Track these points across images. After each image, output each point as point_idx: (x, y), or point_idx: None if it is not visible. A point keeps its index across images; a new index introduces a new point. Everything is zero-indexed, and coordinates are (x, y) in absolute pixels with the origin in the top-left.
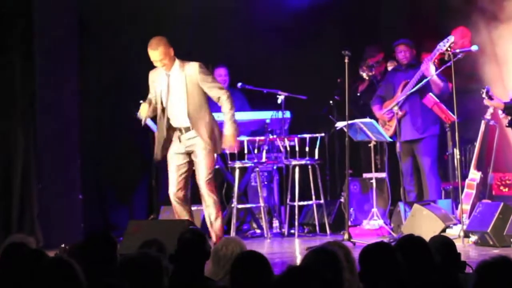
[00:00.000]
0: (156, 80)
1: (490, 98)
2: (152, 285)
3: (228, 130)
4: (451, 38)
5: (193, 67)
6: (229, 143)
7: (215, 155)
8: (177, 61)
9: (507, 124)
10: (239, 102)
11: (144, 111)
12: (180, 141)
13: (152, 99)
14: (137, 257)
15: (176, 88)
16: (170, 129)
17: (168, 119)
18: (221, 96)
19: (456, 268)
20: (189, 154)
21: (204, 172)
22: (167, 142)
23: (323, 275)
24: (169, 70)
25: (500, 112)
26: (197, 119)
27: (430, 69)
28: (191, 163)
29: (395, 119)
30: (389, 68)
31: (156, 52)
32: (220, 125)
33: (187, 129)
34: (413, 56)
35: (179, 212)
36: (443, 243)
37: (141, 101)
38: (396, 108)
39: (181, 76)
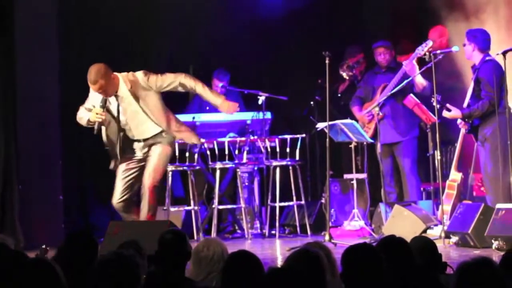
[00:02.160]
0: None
1: (442, 107)
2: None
3: (218, 98)
4: (429, 43)
5: (139, 76)
6: (228, 108)
7: (196, 156)
8: (121, 80)
9: (466, 132)
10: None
11: (96, 117)
12: (135, 152)
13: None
14: (111, 258)
15: (129, 106)
16: (125, 139)
17: (123, 131)
18: (184, 82)
19: (437, 269)
20: (140, 161)
21: (153, 173)
22: (121, 151)
23: (304, 276)
24: (117, 92)
25: (459, 120)
26: (163, 124)
27: (414, 69)
28: (139, 171)
29: (374, 120)
30: None
31: (95, 86)
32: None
33: (146, 140)
34: (393, 58)
35: (126, 218)
36: (424, 244)
37: None
38: (376, 109)
39: (130, 92)
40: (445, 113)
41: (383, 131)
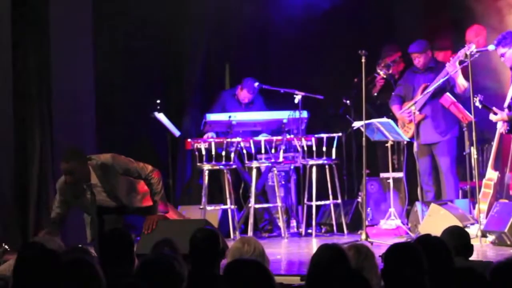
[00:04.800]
0: (71, 191)
1: (484, 107)
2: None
3: (154, 210)
4: (472, 46)
5: (107, 161)
6: (148, 224)
7: (232, 155)
8: (90, 168)
9: (506, 132)
10: (259, 107)
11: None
12: None
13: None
14: (156, 259)
15: (101, 193)
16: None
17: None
18: (146, 177)
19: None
20: None
21: None
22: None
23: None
24: (89, 181)
25: (501, 123)
26: (135, 202)
27: (456, 71)
28: None
29: (415, 121)
30: None
31: (71, 177)
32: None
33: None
34: (429, 59)
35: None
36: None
37: (158, 101)
38: (413, 108)
39: (101, 180)
40: (492, 117)
41: (424, 131)
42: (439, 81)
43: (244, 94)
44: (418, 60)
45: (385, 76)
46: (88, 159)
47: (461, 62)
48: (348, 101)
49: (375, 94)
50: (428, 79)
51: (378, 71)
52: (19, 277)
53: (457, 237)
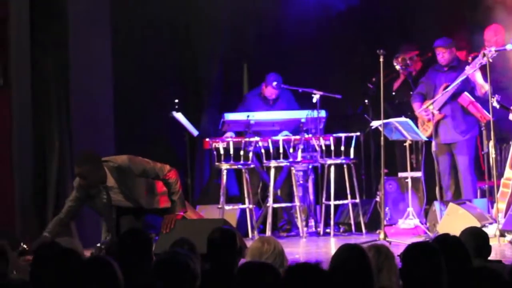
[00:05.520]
0: (86, 191)
1: (502, 107)
2: (186, 285)
3: (174, 207)
4: (492, 49)
5: (124, 163)
6: (167, 223)
7: (251, 154)
8: (107, 170)
9: None
10: (287, 102)
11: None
12: None
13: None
14: (171, 257)
15: (118, 194)
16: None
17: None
18: (164, 178)
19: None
20: None
21: None
22: None
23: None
24: (105, 183)
25: None
26: (153, 203)
27: (476, 74)
28: None
29: (434, 120)
30: None
31: (84, 181)
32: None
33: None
34: (453, 57)
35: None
36: (471, 228)
37: (176, 100)
38: (431, 108)
39: (117, 182)
40: (511, 116)
41: (443, 130)
42: (457, 80)
43: (270, 91)
44: (443, 55)
45: (401, 71)
46: (104, 161)
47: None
48: (366, 101)
49: (393, 93)
50: (450, 78)
51: (395, 64)
52: (38, 276)
53: (475, 238)
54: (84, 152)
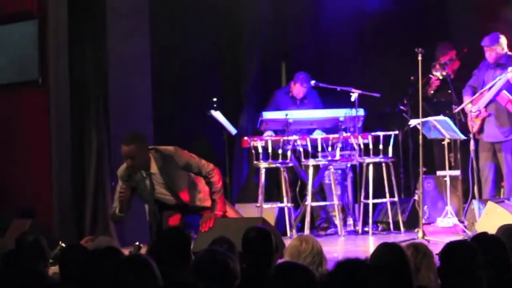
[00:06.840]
0: (132, 178)
1: None
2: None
3: (213, 206)
4: None
5: (169, 152)
6: (205, 222)
7: (289, 153)
8: (151, 157)
9: None
10: (314, 102)
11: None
12: None
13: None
14: (209, 256)
15: (160, 184)
16: None
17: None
18: (206, 175)
19: None
20: None
21: None
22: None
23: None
24: (149, 170)
25: None
26: (196, 200)
27: None
28: None
29: (481, 116)
30: None
31: (131, 161)
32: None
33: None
34: (501, 55)
35: None
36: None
37: (215, 99)
38: (469, 106)
39: (160, 171)
40: None
41: (488, 128)
42: (494, 80)
43: (298, 89)
44: (489, 54)
45: (441, 77)
46: (150, 148)
47: None
48: (405, 100)
49: (431, 93)
50: (496, 77)
51: (434, 73)
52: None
53: None
54: (132, 132)
